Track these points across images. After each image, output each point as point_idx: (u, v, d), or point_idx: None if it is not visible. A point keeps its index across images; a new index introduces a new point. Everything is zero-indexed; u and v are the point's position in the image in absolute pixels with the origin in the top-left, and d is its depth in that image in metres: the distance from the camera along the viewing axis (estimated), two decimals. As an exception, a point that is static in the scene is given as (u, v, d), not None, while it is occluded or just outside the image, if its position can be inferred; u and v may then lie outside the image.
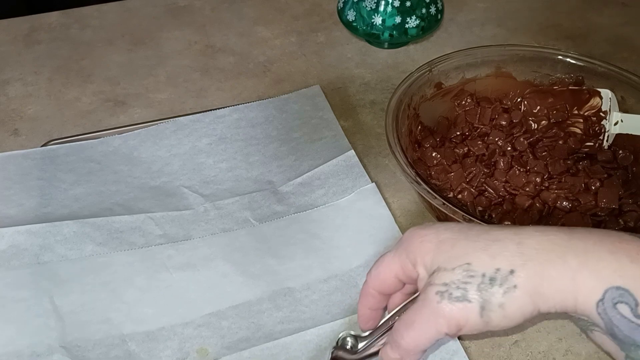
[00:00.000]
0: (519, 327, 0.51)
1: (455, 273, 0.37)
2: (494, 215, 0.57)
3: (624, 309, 0.35)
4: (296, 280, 0.53)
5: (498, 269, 0.37)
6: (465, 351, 0.48)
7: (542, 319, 0.41)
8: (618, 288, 0.35)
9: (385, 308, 0.46)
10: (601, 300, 0.35)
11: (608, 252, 0.36)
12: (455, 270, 0.38)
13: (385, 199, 0.59)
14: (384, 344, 0.42)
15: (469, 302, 0.37)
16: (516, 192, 0.58)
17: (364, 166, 0.62)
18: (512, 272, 0.36)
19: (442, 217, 0.55)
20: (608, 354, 0.39)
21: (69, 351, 0.48)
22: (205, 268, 0.54)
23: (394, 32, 0.75)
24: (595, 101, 0.63)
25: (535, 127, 0.64)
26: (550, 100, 0.64)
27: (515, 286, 0.36)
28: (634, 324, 0.35)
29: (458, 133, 0.64)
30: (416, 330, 0.39)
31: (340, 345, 0.45)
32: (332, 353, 0.45)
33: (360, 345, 0.44)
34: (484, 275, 0.37)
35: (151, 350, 0.48)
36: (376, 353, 0.44)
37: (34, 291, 0.52)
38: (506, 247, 0.37)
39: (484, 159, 0.61)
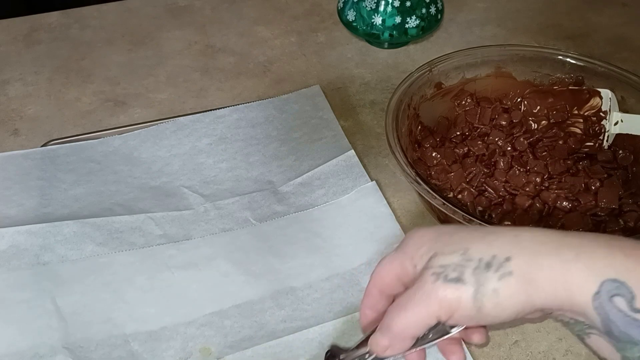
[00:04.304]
0: (516, 327, 0.51)
1: (452, 256, 0.38)
2: (493, 216, 0.57)
3: (620, 302, 0.34)
4: (298, 278, 0.53)
5: (494, 256, 0.37)
6: (465, 351, 0.48)
7: (542, 318, 0.41)
8: (614, 280, 0.34)
9: None
10: (597, 293, 0.35)
11: (603, 247, 0.36)
12: (453, 254, 0.38)
13: (385, 199, 0.59)
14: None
15: (463, 283, 0.37)
16: (516, 192, 0.58)
17: (364, 166, 0.63)
18: (507, 259, 0.36)
19: (442, 217, 0.55)
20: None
21: (71, 352, 0.48)
22: (207, 267, 0.54)
23: (394, 32, 0.75)
24: (595, 101, 0.63)
25: (535, 127, 0.64)
26: (550, 100, 0.65)
27: (510, 272, 0.36)
28: (630, 317, 0.34)
29: (458, 133, 0.64)
30: (408, 312, 0.38)
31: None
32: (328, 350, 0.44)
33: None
34: (480, 260, 0.37)
35: (154, 349, 0.48)
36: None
37: (36, 292, 0.52)
38: (503, 236, 0.38)
39: (484, 159, 0.61)
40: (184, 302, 0.52)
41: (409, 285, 0.41)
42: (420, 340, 0.41)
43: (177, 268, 0.54)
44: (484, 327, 0.43)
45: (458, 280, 0.37)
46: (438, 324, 0.39)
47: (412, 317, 0.38)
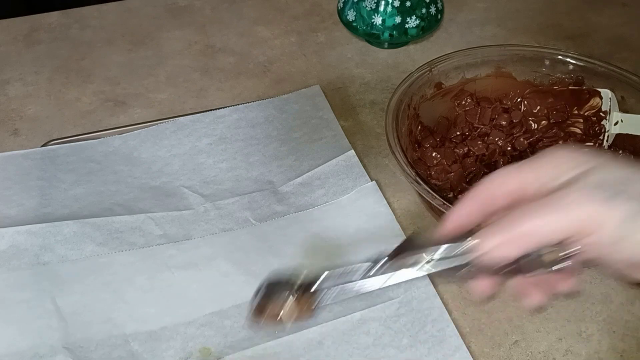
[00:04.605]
0: (516, 327, 0.51)
1: (614, 173, 0.34)
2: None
3: None
4: (298, 279, 0.53)
5: None
6: (466, 351, 0.48)
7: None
8: None
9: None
10: None
11: None
12: (616, 171, 0.34)
13: (385, 199, 0.59)
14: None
15: (619, 204, 0.32)
16: (516, 192, 0.58)
17: (364, 166, 0.63)
18: None
19: (442, 218, 0.55)
20: None
21: (71, 352, 0.48)
22: (206, 267, 0.54)
23: (394, 32, 0.75)
24: (595, 101, 0.63)
25: (535, 127, 0.64)
26: (550, 100, 0.65)
27: None
28: None
29: (458, 133, 0.64)
30: (543, 216, 0.34)
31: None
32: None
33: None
34: None
35: (154, 349, 0.48)
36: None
37: (36, 292, 0.52)
38: None
39: (484, 159, 0.61)
40: (184, 302, 0.51)
41: (519, 204, 0.35)
42: (520, 259, 0.35)
43: (177, 268, 0.54)
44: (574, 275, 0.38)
45: (613, 198, 0.33)
46: (554, 248, 0.35)
47: (544, 223, 0.34)
